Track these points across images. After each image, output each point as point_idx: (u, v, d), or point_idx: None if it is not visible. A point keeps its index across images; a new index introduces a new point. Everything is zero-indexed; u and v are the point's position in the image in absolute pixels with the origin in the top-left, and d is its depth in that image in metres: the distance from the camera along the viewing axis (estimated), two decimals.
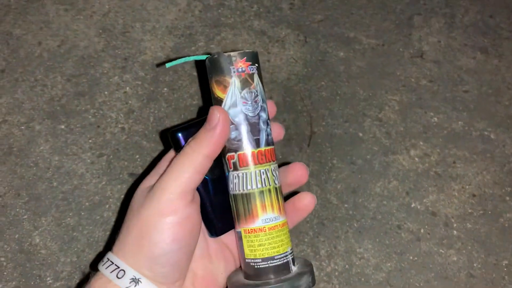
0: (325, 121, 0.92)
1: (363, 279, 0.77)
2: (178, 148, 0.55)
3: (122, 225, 0.52)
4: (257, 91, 0.54)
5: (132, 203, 0.53)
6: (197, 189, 0.54)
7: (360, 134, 0.91)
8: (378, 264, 0.79)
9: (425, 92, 0.97)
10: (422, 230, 0.82)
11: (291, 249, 0.57)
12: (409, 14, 1.09)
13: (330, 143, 0.89)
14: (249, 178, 0.53)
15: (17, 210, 0.79)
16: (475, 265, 0.80)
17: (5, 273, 0.73)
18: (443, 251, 0.81)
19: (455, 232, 0.83)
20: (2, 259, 0.75)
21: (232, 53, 0.55)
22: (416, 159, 0.89)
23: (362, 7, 1.09)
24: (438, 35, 1.06)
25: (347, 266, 0.78)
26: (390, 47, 1.03)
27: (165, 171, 0.50)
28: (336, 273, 0.77)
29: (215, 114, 0.49)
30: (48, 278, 0.74)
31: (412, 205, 0.84)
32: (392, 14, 1.09)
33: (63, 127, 0.87)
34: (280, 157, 0.87)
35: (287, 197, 0.61)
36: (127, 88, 0.93)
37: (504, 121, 0.95)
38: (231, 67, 0.55)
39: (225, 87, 0.55)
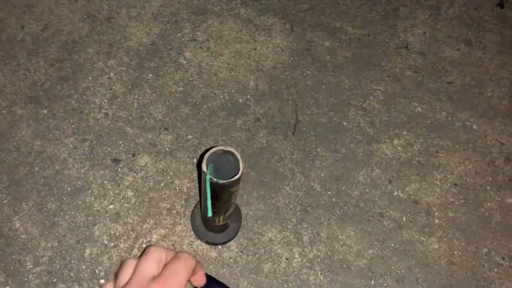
0: (310, 109, 0.92)
1: (345, 265, 0.78)
2: None
3: None
4: None
5: None
6: None
7: (345, 123, 0.91)
8: (360, 251, 0.79)
9: (410, 83, 0.98)
10: (404, 218, 0.83)
11: None
12: (395, 5, 1.10)
13: (315, 131, 0.90)
14: None
15: None
16: (455, 253, 0.81)
17: None
18: (424, 239, 0.81)
19: (436, 220, 0.83)
20: None
21: None
22: (399, 148, 0.90)
23: None
24: (423, 26, 1.06)
25: (329, 252, 0.78)
26: (375, 37, 1.04)
27: None
28: (319, 259, 0.78)
29: None
30: (28, 263, 0.73)
31: (395, 193, 0.85)
32: (378, 5, 1.09)
33: (45, 111, 0.86)
34: (265, 144, 0.87)
35: None
36: (112, 73, 0.92)
37: (486, 112, 0.96)
38: None
39: None
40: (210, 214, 0.58)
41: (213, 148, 0.58)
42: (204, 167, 0.56)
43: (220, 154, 0.58)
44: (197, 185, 0.82)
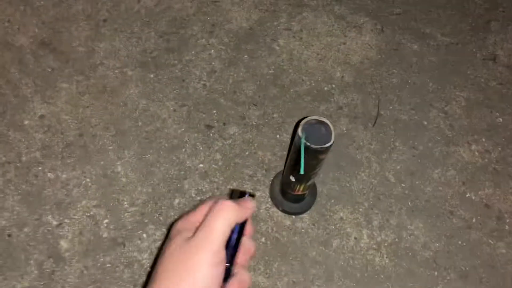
0: (392, 105, 0.96)
1: (410, 253, 0.81)
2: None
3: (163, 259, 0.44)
4: None
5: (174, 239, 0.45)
6: None
7: (425, 123, 0.95)
8: (426, 243, 0.82)
9: (493, 93, 1.00)
10: (474, 220, 0.85)
11: None
12: (486, 19, 1.11)
13: (395, 126, 0.94)
14: None
15: (105, 141, 0.88)
16: None
17: (89, 192, 0.83)
18: (492, 242, 0.83)
19: (507, 226, 0.85)
20: (88, 179, 0.84)
21: None
22: (476, 153, 0.92)
23: (440, 6, 1.13)
24: None
25: (397, 239, 0.82)
26: (464, 47, 1.06)
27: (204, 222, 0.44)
28: (386, 244, 0.81)
29: (250, 202, 0.48)
30: (125, 203, 0.82)
31: (467, 195, 0.87)
32: (470, 16, 1.12)
33: (152, 76, 0.96)
34: (345, 131, 0.92)
35: None
36: (212, 50, 1.01)
37: None
38: None
39: None
40: (302, 171, 0.64)
41: (309, 117, 0.64)
42: (300, 131, 0.62)
43: (314, 124, 0.64)
44: (278, 159, 0.88)
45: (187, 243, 0.41)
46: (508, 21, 1.11)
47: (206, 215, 0.44)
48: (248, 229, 0.48)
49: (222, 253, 0.41)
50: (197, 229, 0.43)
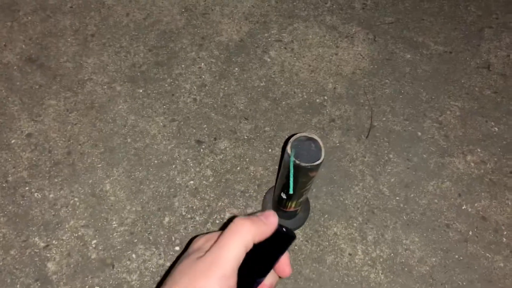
0: (385, 116, 0.95)
1: (406, 269, 0.79)
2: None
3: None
4: None
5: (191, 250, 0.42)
6: None
7: (419, 134, 0.93)
8: (422, 258, 0.80)
9: (488, 102, 0.98)
10: (470, 232, 0.83)
11: None
12: (480, 26, 1.10)
13: (388, 138, 0.92)
14: None
15: (93, 158, 0.86)
16: None
17: (77, 211, 0.81)
18: (490, 256, 0.81)
19: (504, 239, 0.83)
20: (76, 199, 0.82)
21: None
22: (472, 164, 0.90)
23: (433, 14, 1.11)
24: (507, 49, 1.06)
25: (392, 254, 0.80)
26: (457, 55, 1.05)
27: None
28: (381, 259, 0.80)
29: (273, 216, 0.42)
30: (114, 222, 0.80)
31: (463, 207, 0.86)
32: (463, 24, 1.10)
33: (141, 91, 0.95)
34: (338, 144, 0.91)
35: None
36: (202, 64, 0.99)
37: None
38: None
39: None
40: (292, 191, 0.62)
41: (298, 134, 0.63)
42: (288, 149, 0.61)
43: (304, 141, 0.63)
44: (270, 174, 0.87)
45: (197, 262, 0.37)
46: (501, 27, 1.10)
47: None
48: (284, 261, 0.42)
49: (233, 279, 0.36)
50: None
